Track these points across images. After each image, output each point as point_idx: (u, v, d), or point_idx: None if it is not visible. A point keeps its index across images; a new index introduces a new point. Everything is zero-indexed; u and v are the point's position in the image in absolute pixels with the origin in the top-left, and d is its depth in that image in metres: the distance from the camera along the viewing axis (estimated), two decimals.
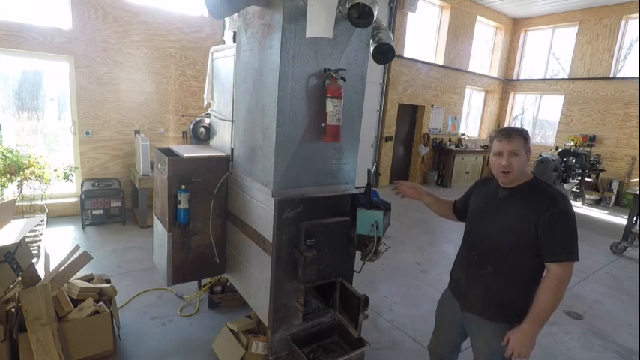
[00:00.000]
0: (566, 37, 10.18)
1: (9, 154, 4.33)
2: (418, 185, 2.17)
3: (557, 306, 1.58)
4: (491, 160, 1.73)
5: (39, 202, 4.79)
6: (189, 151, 2.69)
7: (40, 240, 4.06)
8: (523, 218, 1.61)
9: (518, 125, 11.57)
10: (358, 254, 2.33)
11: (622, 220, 7.03)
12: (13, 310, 2.20)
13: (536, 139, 11.09)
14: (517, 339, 1.60)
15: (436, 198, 2.14)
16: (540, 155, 7.40)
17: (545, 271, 1.61)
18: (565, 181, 7.55)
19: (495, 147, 1.67)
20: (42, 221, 4.45)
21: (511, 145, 1.62)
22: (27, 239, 3.04)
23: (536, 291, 1.59)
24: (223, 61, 2.76)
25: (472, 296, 1.79)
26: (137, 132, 5.49)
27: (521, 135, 1.64)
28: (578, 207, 8.53)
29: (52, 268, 2.57)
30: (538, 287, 1.60)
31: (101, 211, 4.92)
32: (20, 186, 4.45)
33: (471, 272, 1.80)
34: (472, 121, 11.40)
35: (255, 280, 2.37)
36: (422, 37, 9.24)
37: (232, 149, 2.64)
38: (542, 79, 10.66)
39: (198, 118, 3.13)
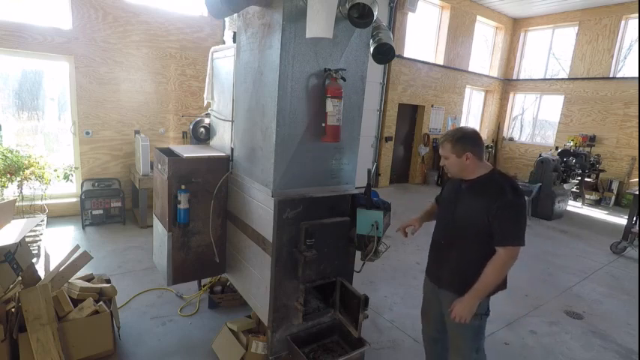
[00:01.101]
0: (566, 37, 10.18)
1: (9, 154, 4.33)
2: (412, 219, 2.25)
3: (497, 283, 1.79)
4: None
5: (39, 202, 4.79)
6: (189, 151, 2.69)
7: (40, 240, 4.06)
8: (478, 207, 1.80)
9: (518, 125, 11.60)
10: (358, 254, 2.34)
11: (622, 220, 7.03)
12: (13, 310, 2.20)
13: (536, 139, 11.10)
14: (459, 307, 1.84)
15: (426, 213, 2.27)
16: (540, 155, 7.41)
17: None
18: (565, 181, 7.56)
19: None
20: (42, 221, 4.45)
21: (441, 151, 1.92)
22: (27, 239, 3.04)
23: (484, 269, 1.78)
24: (223, 61, 2.76)
25: (442, 275, 2.01)
26: (137, 132, 5.48)
27: (450, 140, 1.86)
28: (578, 207, 8.54)
29: (52, 268, 2.57)
30: (485, 266, 1.78)
31: (101, 211, 4.92)
32: (20, 186, 4.45)
33: (440, 255, 2.04)
34: (472, 121, 11.40)
35: (255, 280, 2.37)
36: (422, 37, 9.24)
37: (232, 149, 2.64)
38: (542, 79, 10.66)
39: (198, 118, 3.12)
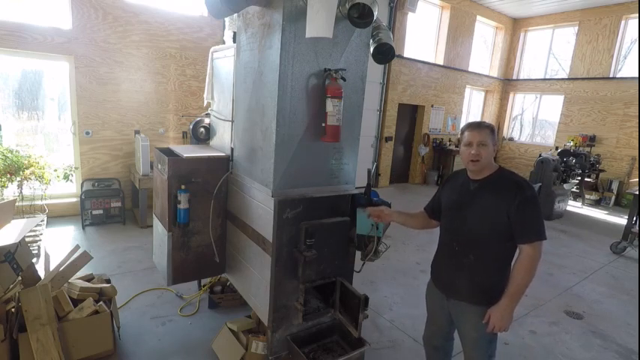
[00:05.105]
0: (566, 37, 10.18)
1: (9, 154, 4.33)
2: (385, 208, 2.15)
3: (530, 282, 1.72)
4: (461, 150, 1.84)
5: (39, 202, 4.79)
6: (189, 151, 2.68)
7: (40, 240, 4.06)
8: (495, 207, 1.74)
9: (517, 125, 11.60)
10: (358, 254, 2.34)
11: (622, 220, 7.02)
12: (13, 310, 2.21)
13: (536, 139, 11.10)
14: (497, 315, 1.73)
15: (407, 214, 2.19)
16: (540, 155, 7.40)
17: (518, 252, 1.75)
18: (565, 181, 7.55)
19: (466, 137, 1.80)
20: (42, 221, 4.45)
21: (480, 136, 1.75)
22: (27, 239, 3.05)
23: (512, 271, 1.73)
24: (223, 61, 2.76)
25: (458, 285, 1.88)
26: (137, 132, 5.48)
27: (489, 127, 1.79)
28: (578, 207, 8.54)
29: (52, 268, 2.57)
30: (513, 267, 1.73)
31: (101, 211, 4.92)
32: (20, 186, 4.45)
33: (454, 262, 1.89)
34: (472, 120, 11.39)
35: (255, 280, 2.37)
36: (422, 37, 9.24)
37: (232, 149, 2.64)
38: (542, 79, 10.66)
39: (198, 118, 3.12)
